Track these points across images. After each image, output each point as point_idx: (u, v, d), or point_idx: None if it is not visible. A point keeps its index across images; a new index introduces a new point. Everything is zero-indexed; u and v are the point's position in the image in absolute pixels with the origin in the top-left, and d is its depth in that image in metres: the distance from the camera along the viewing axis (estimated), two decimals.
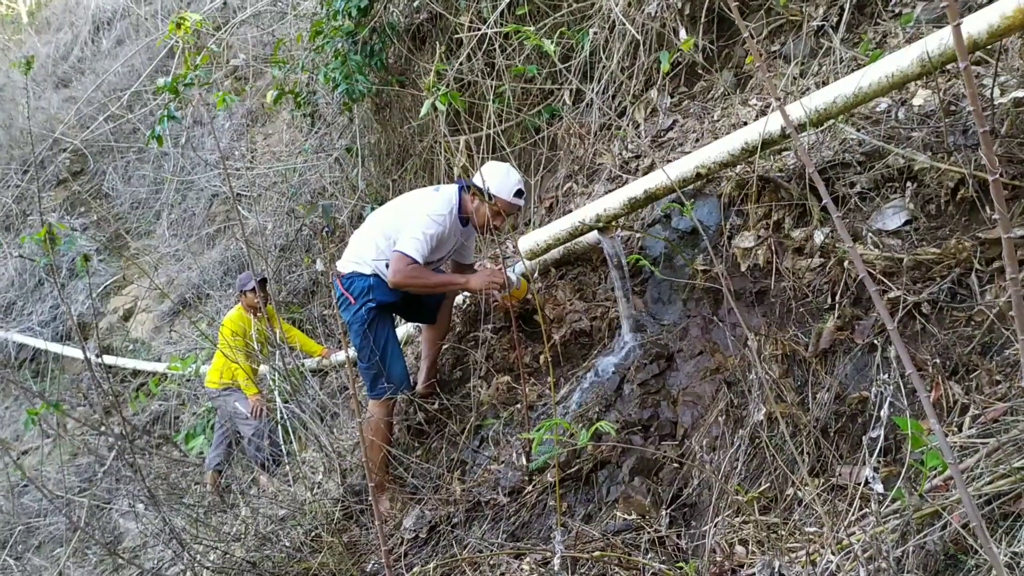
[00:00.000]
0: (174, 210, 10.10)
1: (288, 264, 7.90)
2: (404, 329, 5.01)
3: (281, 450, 4.28)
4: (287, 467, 4.15)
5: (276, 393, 4.31)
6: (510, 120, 5.12)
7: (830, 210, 1.39)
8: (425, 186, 6.06)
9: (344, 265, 3.55)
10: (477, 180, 3.36)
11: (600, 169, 4.40)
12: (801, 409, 2.50)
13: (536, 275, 3.91)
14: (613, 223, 3.31)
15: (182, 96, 4.38)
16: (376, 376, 3.50)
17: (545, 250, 3.64)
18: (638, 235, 3.61)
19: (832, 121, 2.78)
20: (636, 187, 3.13)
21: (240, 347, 5.27)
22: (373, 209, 5.79)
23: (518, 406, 3.49)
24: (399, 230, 3.43)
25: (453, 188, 3.54)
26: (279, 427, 4.23)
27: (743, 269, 2.99)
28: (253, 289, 5.65)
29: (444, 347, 4.19)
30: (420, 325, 4.56)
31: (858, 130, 2.86)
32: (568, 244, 3.72)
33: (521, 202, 3.44)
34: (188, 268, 9.24)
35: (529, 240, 3.66)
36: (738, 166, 3.12)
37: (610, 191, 3.72)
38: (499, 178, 3.39)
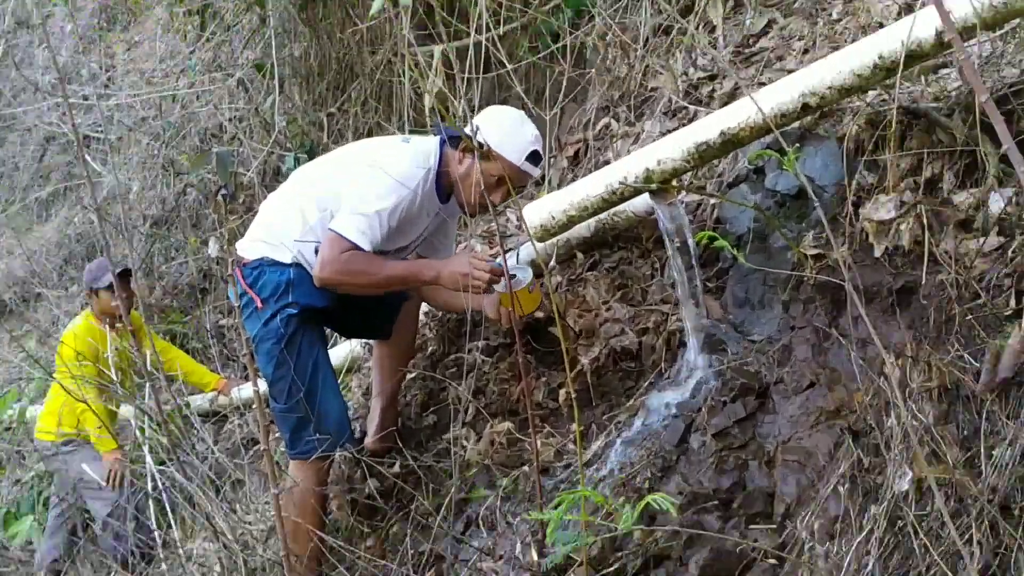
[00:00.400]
0: None
1: (165, 247, 7.91)
2: (344, 349, 5.02)
3: (153, 538, 4.27)
4: (163, 565, 4.14)
5: (146, 449, 4.30)
6: (512, 20, 5.11)
7: (1014, 161, 1.37)
8: (384, 129, 6.05)
9: (249, 248, 3.57)
10: (474, 130, 3.37)
11: (653, 98, 4.40)
12: (969, 474, 2.48)
13: (554, 264, 3.90)
14: (673, 183, 3.29)
15: None
16: (300, 423, 3.52)
17: (565, 226, 3.64)
18: (713, 201, 3.59)
19: (1019, 21, 2.76)
20: (708, 126, 3.12)
21: (90, 377, 5.24)
22: (298, 162, 5.81)
23: (525, 469, 3.48)
24: (341, 197, 3.46)
25: (431, 141, 3.59)
26: (149, 502, 4.21)
27: (877, 254, 2.99)
28: (110, 287, 5.64)
29: (408, 377, 4.19)
30: (369, 343, 4.55)
31: None
32: (602, 215, 3.71)
33: (536, 171, 3.50)
34: (8, 253, 9.26)
35: (540, 210, 3.64)
36: (869, 93, 3.10)
37: (668, 132, 3.71)
38: (506, 129, 3.43)
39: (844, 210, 3.05)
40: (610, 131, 4.54)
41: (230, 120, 7.50)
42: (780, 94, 2.97)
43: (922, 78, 3.07)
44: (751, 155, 3.36)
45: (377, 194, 3.39)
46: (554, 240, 3.87)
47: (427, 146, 3.55)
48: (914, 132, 2.99)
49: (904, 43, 2.69)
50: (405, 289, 3.78)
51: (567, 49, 4.84)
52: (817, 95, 2.90)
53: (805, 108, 2.94)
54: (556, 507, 2.36)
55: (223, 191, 2.27)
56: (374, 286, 3.49)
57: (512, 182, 3.34)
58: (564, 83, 4.93)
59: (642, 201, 3.50)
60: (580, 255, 3.93)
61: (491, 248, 4.46)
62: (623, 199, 3.43)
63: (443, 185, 3.54)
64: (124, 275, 5.59)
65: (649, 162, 3.27)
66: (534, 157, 3.44)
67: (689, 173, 3.49)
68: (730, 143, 3.10)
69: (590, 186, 3.49)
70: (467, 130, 3.32)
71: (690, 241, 3.31)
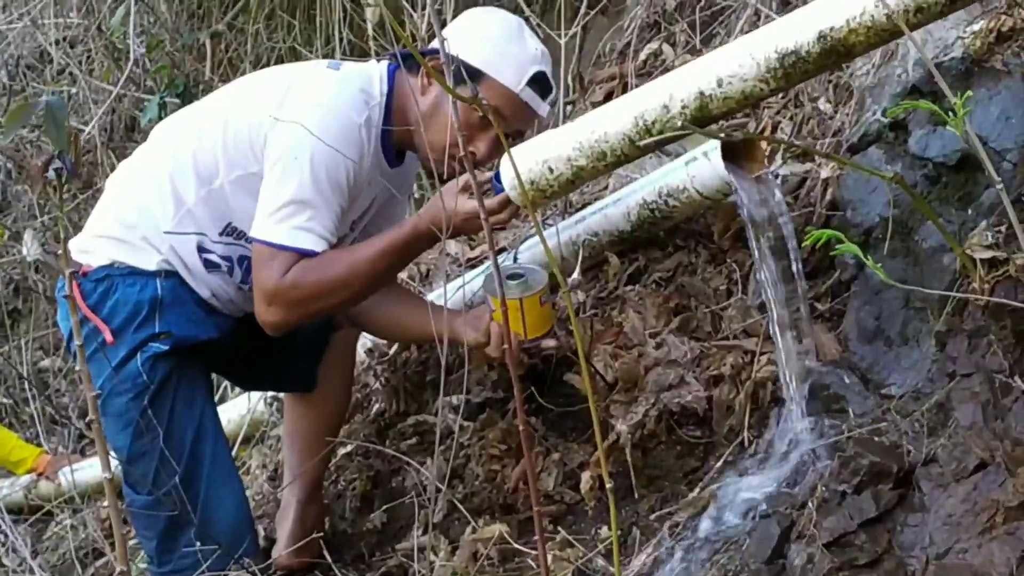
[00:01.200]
0: None
1: None
2: (237, 408, 5.02)
3: None
4: None
5: None
6: None
7: None
8: (301, 58, 6.04)
9: (90, 248, 3.59)
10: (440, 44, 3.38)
11: (731, 8, 4.40)
12: None
13: (577, 277, 3.90)
14: (764, 139, 3.27)
15: None
16: (173, 526, 3.53)
17: (569, 182, 3.46)
18: (825, 174, 3.59)
19: None
20: (799, 24, 2.96)
21: None
22: (165, 110, 5.79)
23: None
24: (238, 165, 3.50)
25: (374, 67, 3.63)
26: None
27: None
28: None
29: (341, 453, 4.26)
30: (279, 397, 4.54)
31: None
32: (649, 196, 3.71)
33: (543, 104, 3.52)
34: None
35: (530, 156, 3.50)
36: None
37: None
38: (498, 40, 3.48)
39: None
40: (661, 61, 4.55)
41: (57, 44, 7.50)
42: None
43: None
44: (891, 110, 3.34)
45: (309, 159, 3.38)
46: (578, 234, 3.86)
47: (367, 72, 3.58)
48: None
49: None
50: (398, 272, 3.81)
51: None
52: None
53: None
54: None
55: (56, 163, 2.21)
56: (355, 298, 3.54)
57: (507, 118, 3.39)
58: None
59: (713, 174, 3.50)
60: (614, 259, 3.93)
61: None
62: (663, 140, 3.28)
63: (391, 138, 3.56)
64: None
65: (705, 81, 3.09)
66: (539, 82, 3.46)
67: (781, 117, 3.48)
68: (834, 51, 2.96)
69: (610, 118, 3.32)
70: (435, 46, 3.33)
71: (790, 239, 3.30)
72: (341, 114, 3.44)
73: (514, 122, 3.46)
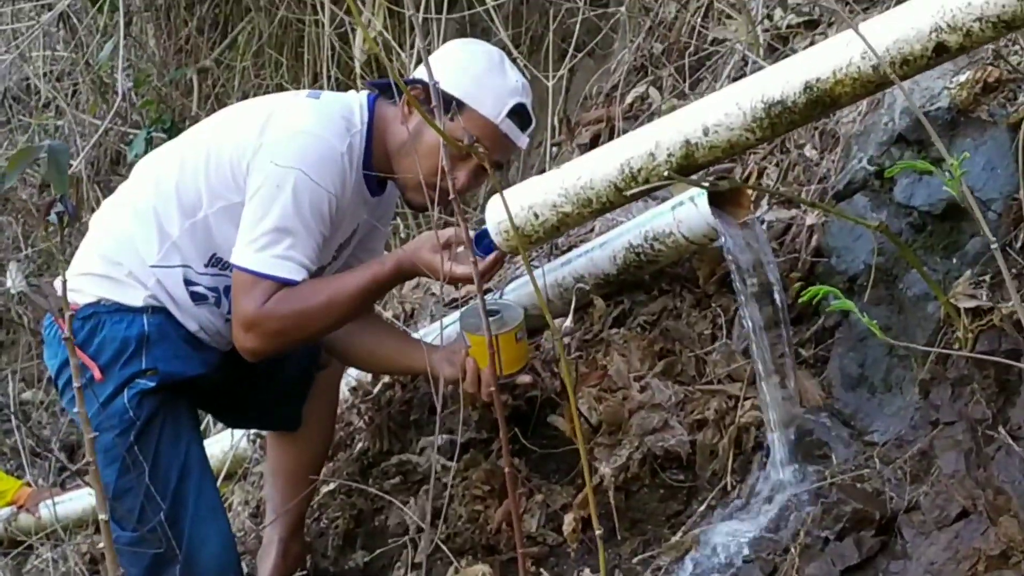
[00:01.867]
0: None
1: None
2: (219, 444, 5.01)
3: None
4: None
5: None
6: None
7: None
8: (281, 88, 6.05)
9: (80, 284, 3.58)
10: (421, 74, 3.40)
11: (718, 55, 4.42)
12: None
13: (570, 325, 3.92)
14: (750, 188, 3.33)
15: None
16: (159, 562, 3.53)
17: (554, 228, 3.51)
18: (811, 222, 3.60)
19: None
20: (786, 75, 3.01)
21: None
22: (151, 144, 5.78)
23: None
24: (220, 196, 3.51)
25: (354, 97, 3.65)
26: None
27: None
28: None
29: (324, 491, 4.25)
30: (262, 434, 4.53)
31: None
32: (635, 240, 3.73)
33: (522, 136, 3.54)
34: None
35: (515, 201, 3.51)
36: None
37: None
38: (479, 72, 3.51)
39: (1021, 239, 3.06)
40: (648, 105, 4.56)
41: (44, 77, 7.50)
42: (902, 26, 2.82)
43: None
44: (890, 170, 3.33)
45: (290, 188, 3.39)
46: (564, 277, 3.87)
47: (348, 103, 3.59)
48: None
49: None
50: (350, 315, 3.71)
51: None
52: (960, 29, 2.78)
53: (940, 49, 2.85)
54: None
55: (59, 206, 2.23)
56: (331, 327, 3.56)
57: (487, 148, 3.40)
58: (577, 28, 4.96)
59: (699, 219, 3.50)
60: (599, 302, 3.93)
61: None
62: (648, 187, 3.29)
63: (376, 163, 3.58)
64: None
65: (691, 129, 3.14)
66: (519, 114, 3.48)
67: (771, 172, 3.49)
68: (820, 102, 2.98)
69: (596, 164, 3.38)
70: (417, 75, 3.34)
71: (775, 284, 3.31)
72: (323, 141, 3.45)
73: (493, 153, 3.45)
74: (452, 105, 3.35)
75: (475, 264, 2.82)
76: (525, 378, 3.64)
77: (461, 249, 3.38)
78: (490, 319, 3.40)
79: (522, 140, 3.53)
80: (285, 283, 3.37)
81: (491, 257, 3.39)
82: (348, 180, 3.48)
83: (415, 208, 3.73)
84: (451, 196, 2.75)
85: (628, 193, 3.29)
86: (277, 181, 3.39)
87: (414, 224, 4.77)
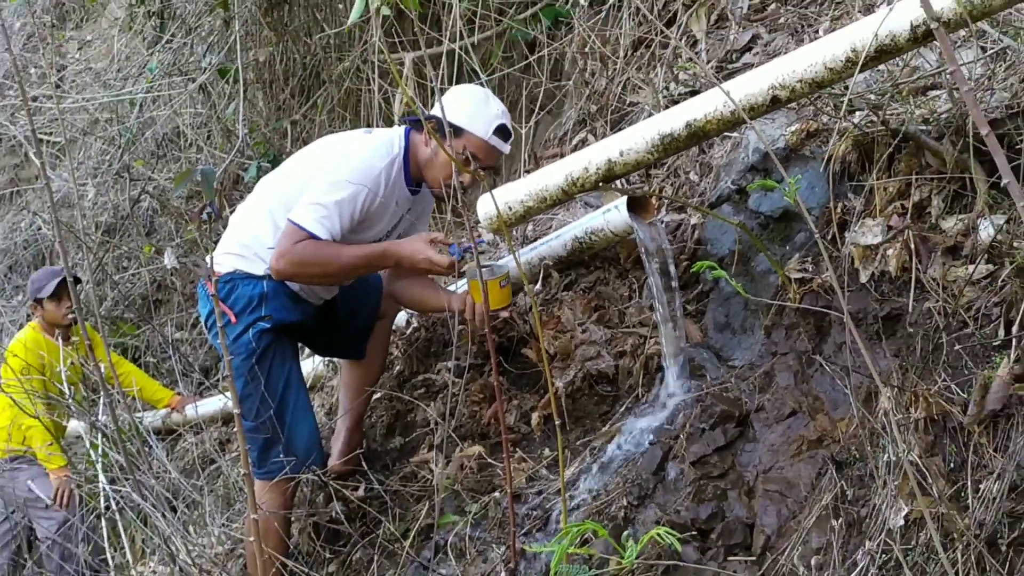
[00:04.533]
0: None
1: (117, 256, 7.81)
2: (306, 367, 5.00)
3: (105, 560, 4.22)
4: None
5: (98, 467, 4.25)
6: (487, 28, 5.12)
7: (1014, 195, 1.38)
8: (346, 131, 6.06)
9: (222, 260, 3.58)
10: (437, 112, 3.40)
11: (632, 113, 4.41)
12: (955, 508, 2.49)
13: (539, 287, 3.94)
14: (654, 196, 3.35)
15: None
16: (267, 443, 3.54)
17: (522, 217, 3.68)
18: (693, 222, 3.61)
19: (1007, 13, 2.78)
20: (673, 117, 3.16)
21: (37, 391, 5.17)
22: (261, 171, 5.77)
23: (495, 495, 3.48)
24: (303, 190, 3.52)
25: (395, 131, 3.66)
26: (101, 522, 4.17)
27: (864, 279, 3.00)
28: (53, 296, 5.60)
29: (375, 398, 4.20)
30: (338, 361, 4.53)
31: None
32: (579, 233, 3.74)
33: (505, 146, 3.55)
34: None
35: (498, 197, 3.61)
36: (856, 114, 3.12)
37: None
38: (472, 106, 3.51)
39: (829, 233, 3.07)
40: (587, 146, 4.54)
41: (191, 126, 7.46)
42: (749, 86, 2.95)
43: (911, 100, 3.09)
44: (751, 185, 3.33)
45: (335, 184, 3.45)
46: (533, 258, 3.89)
47: (390, 135, 3.63)
48: (902, 155, 3.00)
49: (876, 33, 2.63)
50: (362, 272, 3.75)
51: (545, 60, 4.86)
52: (787, 88, 2.87)
53: (775, 101, 2.92)
54: (560, 542, 2.36)
55: (208, 209, 2.26)
56: (332, 275, 3.57)
57: (481, 159, 3.46)
58: (540, 95, 4.94)
59: (621, 220, 3.52)
60: (555, 275, 3.93)
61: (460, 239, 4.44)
62: (583, 190, 3.47)
63: (413, 173, 3.60)
64: (66, 283, 5.53)
65: (612, 152, 3.30)
66: (502, 131, 3.51)
67: (667, 190, 3.51)
68: (696, 135, 3.13)
69: (549, 176, 3.51)
70: (433, 112, 3.36)
71: (670, 262, 3.33)
72: (367, 160, 3.51)
73: (486, 161, 3.51)
74: (455, 130, 3.40)
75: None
76: (504, 313, 3.66)
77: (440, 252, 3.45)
78: (484, 269, 3.43)
79: (505, 148, 3.55)
80: (311, 236, 3.40)
81: (450, 258, 3.45)
82: (383, 184, 3.50)
83: (438, 199, 3.77)
84: (461, 192, 2.88)
85: (571, 193, 3.51)
86: (334, 178, 3.45)
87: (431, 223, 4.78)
